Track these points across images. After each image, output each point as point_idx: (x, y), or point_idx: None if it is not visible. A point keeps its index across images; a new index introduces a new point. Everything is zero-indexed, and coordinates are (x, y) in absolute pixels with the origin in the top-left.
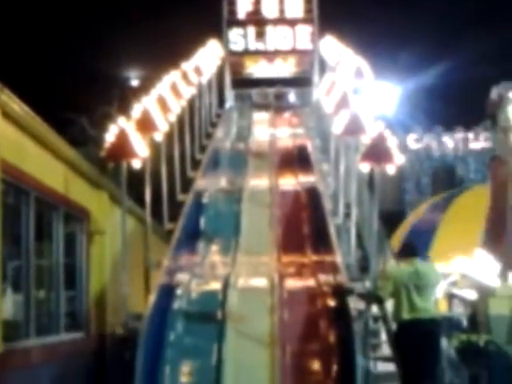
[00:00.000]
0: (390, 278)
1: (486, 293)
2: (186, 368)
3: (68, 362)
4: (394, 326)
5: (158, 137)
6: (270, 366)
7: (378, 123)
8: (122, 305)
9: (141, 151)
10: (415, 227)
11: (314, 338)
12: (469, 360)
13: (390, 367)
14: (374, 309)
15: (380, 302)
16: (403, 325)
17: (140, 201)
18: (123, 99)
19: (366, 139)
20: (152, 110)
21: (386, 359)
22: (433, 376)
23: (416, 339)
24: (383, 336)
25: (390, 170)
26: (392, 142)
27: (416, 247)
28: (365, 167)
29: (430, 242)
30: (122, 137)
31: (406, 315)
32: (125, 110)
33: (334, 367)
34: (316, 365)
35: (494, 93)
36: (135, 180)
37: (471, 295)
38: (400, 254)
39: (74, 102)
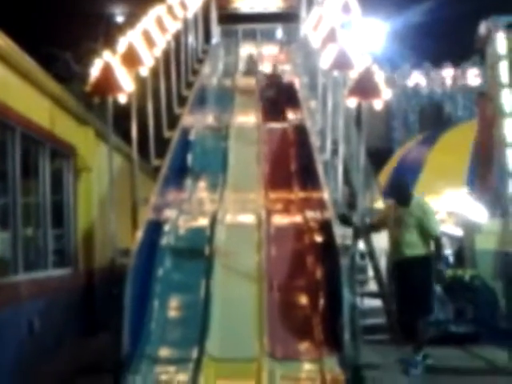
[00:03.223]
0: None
1: (472, 229)
2: (174, 302)
3: (56, 297)
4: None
5: (144, 71)
6: (258, 300)
7: (366, 58)
8: (109, 241)
9: (126, 86)
10: (402, 162)
11: (301, 273)
12: (454, 294)
13: (377, 303)
14: (361, 245)
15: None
16: (394, 262)
17: (127, 138)
18: (108, 35)
19: (353, 74)
20: (137, 45)
21: (372, 295)
22: (423, 309)
23: (403, 276)
24: (370, 272)
25: (378, 105)
26: (379, 77)
27: (406, 186)
28: (352, 102)
29: (418, 177)
30: (108, 71)
31: (396, 252)
32: (110, 46)
33: (321, 301)
34: (303, 299)
35: (483, 27)
36: (121, 116)
37: (458, 232)
38: (389, 194)
39: (58, 38)
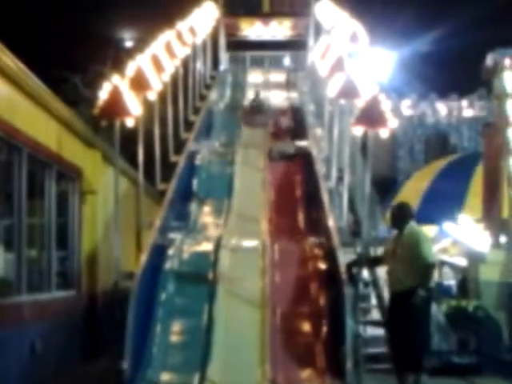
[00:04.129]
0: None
1: (476, 259)
2: (176, 327)
3: (59, 319)
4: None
5: (152, 96)
6: (261, 326)
7: (373, 87)
8: (113, 264)
9: (134, 109)
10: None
11: (305, 301)
12: (458, 325)
13: (380, 332)
14: (365, 274)
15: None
16: (390, 296)
17: (133, 162)
18: (117, 60)
19: (360, 103)
20: (146, 69)
21: (375, 323)
22: (419, 346)
23: (397, 310)
24: (373, 300)
25: (384, 133)
26: (386, 106)
27: (407, 212)
28: (358, 130)
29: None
30: (116, 94)
31: (390, 286)
32: (118, 70)
33: (324, 329)
34: (306, 326)
35: (490, 59)
36: (128, 140)
37: (461, 262)
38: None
39: (68, 62)
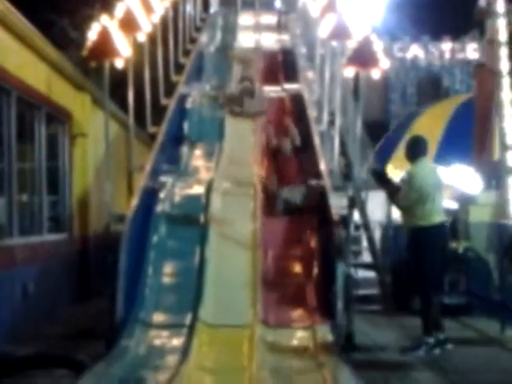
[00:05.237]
0: (415, 185)
1: (467, 201)
2: (168, 269)
3: (51, 262)
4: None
5: (141, 37)
6: (252, 268)
7: (365, 28)
8: (104, 207)
9: (123, 50)
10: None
11: (296, 242)
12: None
13: (370, 274)
14: (356, 216)
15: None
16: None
17: (123, 106)
18: (106, 2)
19: (352, 44)
20: (135, 10)
21: (366, 266)
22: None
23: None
24: (364, 243)
25: (375, 74)
26: (378, 47)
27: (417, 146)
28: (350, 72)
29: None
30: (105, 35)
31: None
32: (107, 11)
33: (315, 270)
34: (297, 268)
35: (482, 0)
36: (118, 85)
37: (452, 205)
38: (414, 154)
39: (55, 5)
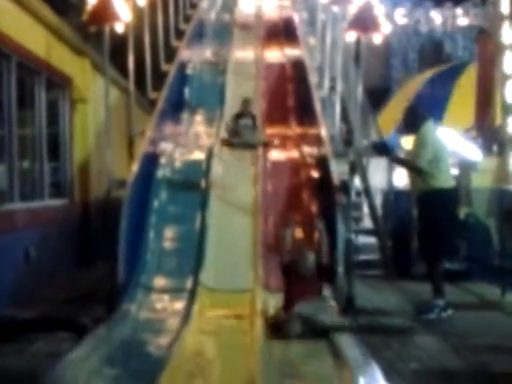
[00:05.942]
0: (428, 145)
1: (468, 167)
2: (169, 233)
3: (53, 227)
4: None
5: (141, 1)
6: (253, 233)
7: None
8: (105, 173)
9: (123, 14)
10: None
11: (297, 208)
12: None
13: (371, 240)
14: (357, 182)
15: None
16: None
17: (123, 72)
18: None
19: (353, 9)
20: None
21: (367, 232)
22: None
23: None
24: (365, 209)
25: (377, 39)
26: (379, 11)
27: (417, 114)
28: (351, 36)
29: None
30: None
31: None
32: None
33: (316, 236)
34: (298, 233)
35: None
36: (118, 51)
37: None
38: (421, 118)
39: None
